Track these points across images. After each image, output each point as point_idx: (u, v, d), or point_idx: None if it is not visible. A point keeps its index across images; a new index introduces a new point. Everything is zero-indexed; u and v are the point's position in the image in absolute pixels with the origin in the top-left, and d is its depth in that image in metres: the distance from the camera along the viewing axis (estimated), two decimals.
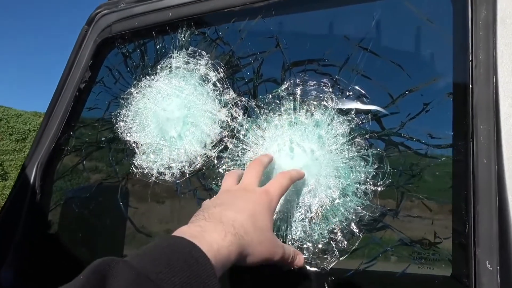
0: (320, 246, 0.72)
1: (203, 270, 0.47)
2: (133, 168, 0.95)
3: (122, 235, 1.02)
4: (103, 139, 1.04)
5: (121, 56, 1.04)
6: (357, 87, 0.75)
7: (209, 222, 0.56)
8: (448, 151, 0.68)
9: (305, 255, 0.72)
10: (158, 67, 0.96)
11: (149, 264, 0.45)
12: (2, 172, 8.85)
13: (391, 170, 0.70)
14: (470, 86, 0.65)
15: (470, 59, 0.66)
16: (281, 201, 0.72)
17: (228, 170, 0.81)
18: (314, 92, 0.78)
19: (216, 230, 0.54)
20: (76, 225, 1.09)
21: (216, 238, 0.53)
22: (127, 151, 0.97)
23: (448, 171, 0.67)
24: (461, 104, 0.66)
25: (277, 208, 0.75)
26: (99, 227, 1.07)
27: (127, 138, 0.97)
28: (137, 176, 0.94)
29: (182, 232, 0.53)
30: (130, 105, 0.99)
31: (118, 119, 0.99)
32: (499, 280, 0.58)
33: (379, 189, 0.70)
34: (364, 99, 0.74)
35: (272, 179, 0.68)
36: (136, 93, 0.98)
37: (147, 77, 0.97)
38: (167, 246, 0.49)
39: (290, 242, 0.74)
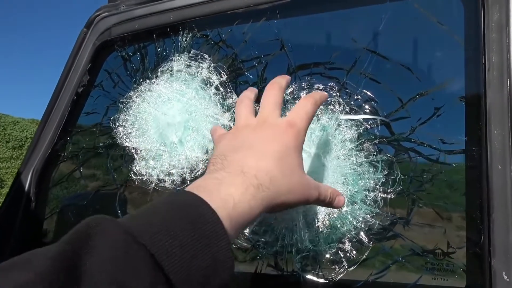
0: (327, 256, 0.69)
1: (211, 230, 0.41)
2: (132, 175, 0.92)
3: None
4: (101, 144, 1.01)
5: (121, 59, 1.02)
6: (365, 91, 0.73)
7: (228, 173, 0.49)
8: (460, 157, 0.65)
9: (311, 265, 0.69)
10: (159, 70, 0.94)
11: (145, 225, 0.39)
12: None
13: (402, 177, 0.68)
14: (483, 89, 0.63)
15: (483, 62, 0.64)
16: None
17: None
18: None
19: (235, 183, 0.47)
20: None
21: (234, 193, 0.46)
22: (126, 157, 0.94)
23: (461, 178, 0.65)
24: (474, 108, 0.64)
25: (282, 216, 0.72)
26: None
27: (126, 144, 0.94)
28: (136, 183, 0.91)
29: (197, 185, 0.46)
30: (129, 110, 0.96)
31: (117, 124, 0.96)
32: None
33: (389, 196, 0.68)
34: (373, 103, 0.72)
35: (295, 106, 0.60)
36: (136, 97, 0.95)
37: (147, 80, 0.95)
38: (171, 203, 0.43)
39: (296, 252, 0.71)
